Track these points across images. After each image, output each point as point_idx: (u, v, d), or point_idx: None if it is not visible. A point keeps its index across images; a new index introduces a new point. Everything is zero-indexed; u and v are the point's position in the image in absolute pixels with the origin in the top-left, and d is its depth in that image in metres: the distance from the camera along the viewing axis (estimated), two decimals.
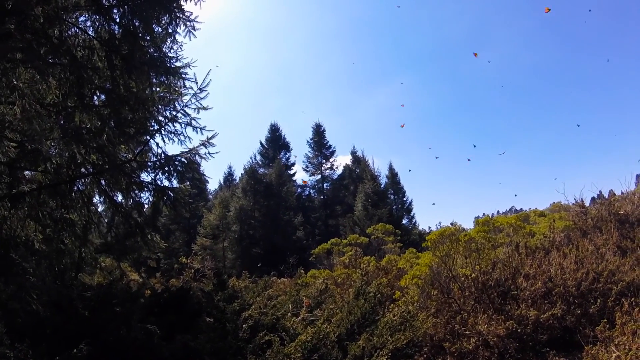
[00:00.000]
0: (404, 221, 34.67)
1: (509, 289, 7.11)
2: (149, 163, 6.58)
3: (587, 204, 11.83)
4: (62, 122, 5.55)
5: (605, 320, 5.83)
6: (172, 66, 6.44)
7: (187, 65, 6.66)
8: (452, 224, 19.19)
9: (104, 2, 5.88)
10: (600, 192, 13.45)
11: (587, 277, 6.80)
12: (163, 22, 6.29)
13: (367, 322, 5.58)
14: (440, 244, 8.44)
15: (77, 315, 5.40)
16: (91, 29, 6.11)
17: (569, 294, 6.69)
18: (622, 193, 12.54)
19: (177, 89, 6.70)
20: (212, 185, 46.74)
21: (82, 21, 6.08)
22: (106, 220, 7.59)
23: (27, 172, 6.26)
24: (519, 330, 6.30)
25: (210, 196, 41.61)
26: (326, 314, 5.64)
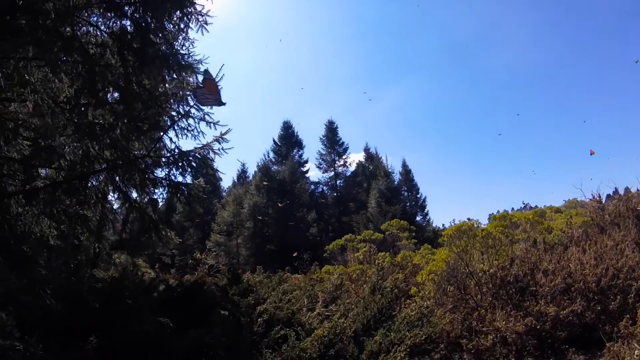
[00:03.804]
0: (418, 218, 34.47)
1: (528, 285, 6.98)
2: (163, 159, 6.55)
3: (603, 200, 11.66)
4: (75, 119, 5.52)
5: (628, 316, 5.71)
6: (185, 61, 6.41)
7: (199, 61, 6.63)
8: (468, 219, 18.99)
9: None
10: (616, 188, 13.24)
11: (607, 273, 6.66)
12: (175, 18, 6.26)
13: (383, 318, 5.49)
14: (457, 239, 8.32)
15: (87, 308, 5.35)
16: (103, 26, 6.10)
17: (588, 290, 6.56)
18: (637, 190, 12.35)
19: (190, 84, 6.67)
20: (226, 182, 46.92)
21: (93, 19, 6.06)
22: (121, 217, 7.60)
23: (42, 171, 6.30)
24: (537, 327, 6.18)
25: (224, 193, 41.72)
26: (343, 309, 5.57)
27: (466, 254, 7.96)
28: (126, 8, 5.93)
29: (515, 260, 7.52)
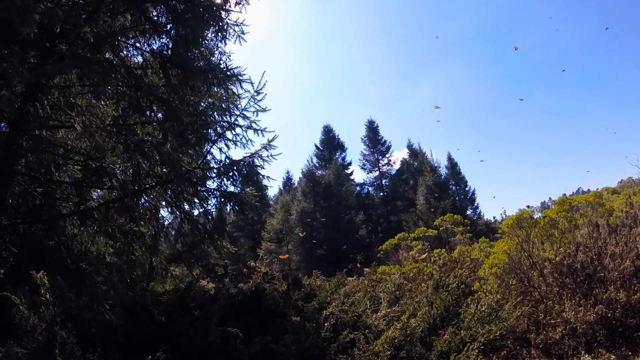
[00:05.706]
0: (469, 212, 33.78)
1: (595, 270, 6.69)
2: (214, 170, 6.65)
3: None
4: (122, 138, 5.68)
5: None
6: (228, 73, 6.50)
7: (239, 74, 6.73)
8: (528, 206, 18.38)
9: (152, 16, 6.00)
10: None
11: None
12: (210, 34, 6.37)
13: (450, 316, 5.38)
14: (517, 229, 8.05)
15: (152, 321, 5.36)
16: (145, 45, 6.26)
17: None
18: None
19: (234, 92, 6.74)
20: (272, 191, 47.47)
21: (131, 41, 6.23)
22: (173, 233, 7.73)
23: (94, 193, 6.53)
24: (608, 315, 5.93)
25: (271, 202, 42.24)
26: (411, 308, 5.48)
27: (528, 243, 7.69)
28: (168, 26, 6.09)
29: (580, 246, 7.22)
